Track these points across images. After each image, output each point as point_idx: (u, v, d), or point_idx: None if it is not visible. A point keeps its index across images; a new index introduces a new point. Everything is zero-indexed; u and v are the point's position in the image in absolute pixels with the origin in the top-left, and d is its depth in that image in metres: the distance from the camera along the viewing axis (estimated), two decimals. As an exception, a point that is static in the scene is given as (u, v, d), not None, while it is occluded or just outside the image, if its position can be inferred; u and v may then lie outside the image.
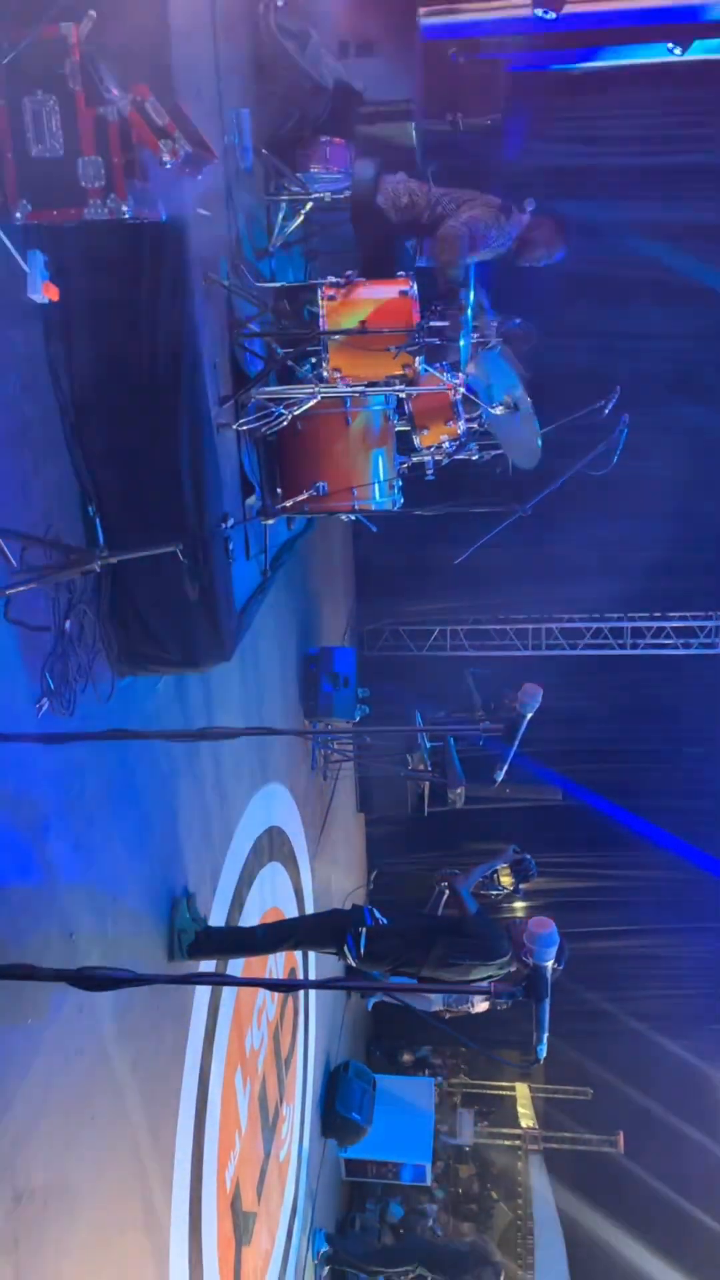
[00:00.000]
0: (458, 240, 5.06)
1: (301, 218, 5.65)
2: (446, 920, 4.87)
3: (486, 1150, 13.67)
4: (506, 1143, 13.80)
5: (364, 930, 4.76)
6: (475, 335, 5.15)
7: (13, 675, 3.42)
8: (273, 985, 3.69)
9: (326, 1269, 9.04)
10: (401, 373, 4.74)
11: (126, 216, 3.13)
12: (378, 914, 4.87)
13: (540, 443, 5.80)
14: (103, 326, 3.66)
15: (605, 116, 8.31)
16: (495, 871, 5.92)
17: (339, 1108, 9.51)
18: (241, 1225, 6.07)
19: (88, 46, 2.98)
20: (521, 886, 6.11)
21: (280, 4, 5.10)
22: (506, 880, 6.13)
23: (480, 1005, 5.42)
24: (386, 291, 4.73)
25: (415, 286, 4.71)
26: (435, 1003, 5.79)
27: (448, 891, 5.13)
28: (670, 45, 7.56)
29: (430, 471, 6.22)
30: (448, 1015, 5.68)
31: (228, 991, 5.74)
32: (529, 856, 6.02)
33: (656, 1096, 12.56)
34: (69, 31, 2.93)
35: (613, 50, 7.48)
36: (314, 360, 4.87)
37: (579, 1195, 12.80)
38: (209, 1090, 5.37)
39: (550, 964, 2.49)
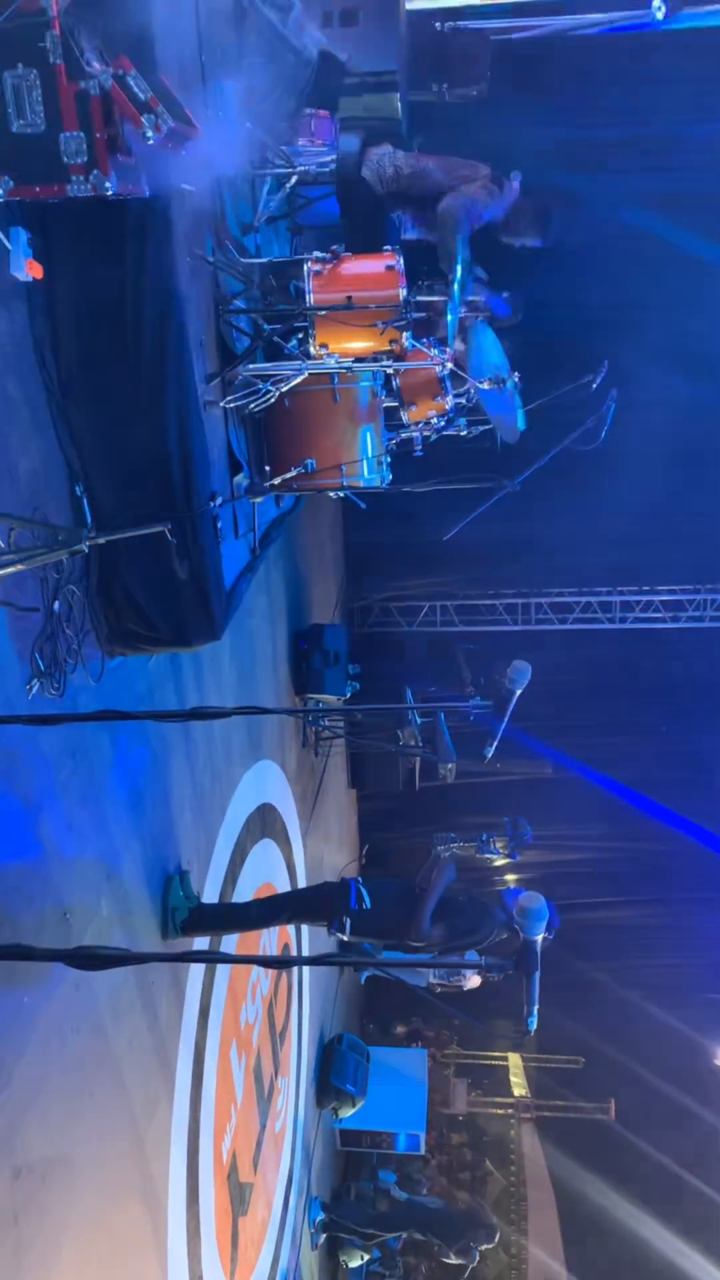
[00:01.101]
0: (458, 221, 5.03)
1: (287, 191, 5.60)
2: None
3: (479, 1119, 13.85)
4: (499, 1111, 13.98)
5: (348, 919, 4.76)
6: (463, 310, 5.13)
7: (2, 657, 3.42)
8: (267, 962, 3.72)
9: (323, 1236, 9.18)
10: (389, 348, 4.71)
11: (110, 192, 3.10)
12: (364, 894, 4.86)
13: (521, 423, 5.76)
14: (87, 304, 3.63)
15: (592, 86, 8.23)
16: (491, 838, 5.92)
17: (333, 1079, 9.62)
18: (238, 1196, 6.15)
19: (68, 19, 2.93)
20: (517, 854, 6.11)
21: (262, -27, 5.02)
22: (502, 847, 6.15)
23: (472, 982, 5.43)
24: (373, 266, 4.70)
25: (402, 260, 4.68)
26: (428, 977, 5.84)
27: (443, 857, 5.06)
28: (657, 5, 7.47)
29: (419, 448, 6.20)
30: (439, 989, 5.73)
31: (222, 967, 5.79)
32: (524, 821, 6.02)
33: (648, 1064, 12.73)
34: (49, 4, 2.89)
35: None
36: (301, 336, 4.84)
37: (571, 1162, 13.00)
38: (204, 1065, 5.42)
39: (540, 936, 2.52)
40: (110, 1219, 4.08)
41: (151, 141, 3.07)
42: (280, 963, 5.48)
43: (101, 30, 3.16)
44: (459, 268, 4.97)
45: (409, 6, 6.65)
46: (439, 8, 7.03)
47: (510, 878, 12.14)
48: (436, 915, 4.69)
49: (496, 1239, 9.62)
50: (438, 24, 7.13)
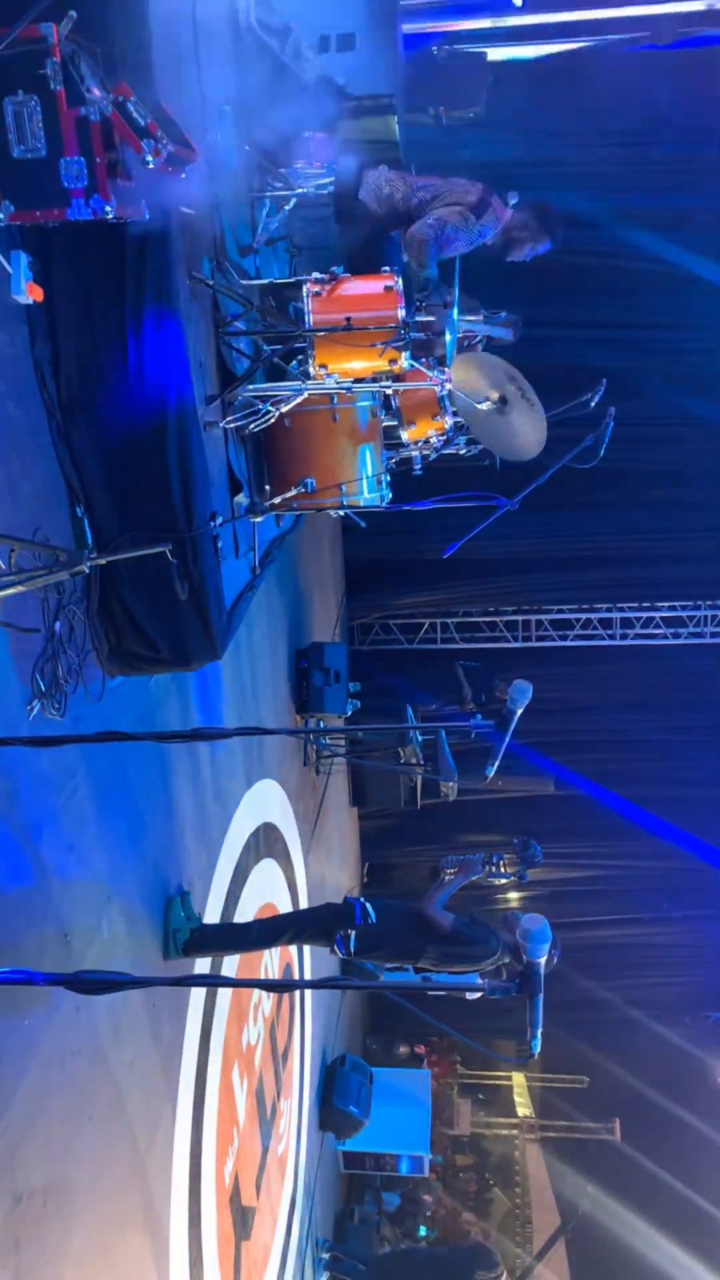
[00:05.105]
0: (424, 243, 5.07)
1: (285, 213, 5.63)
2: (435, 928, 4.79)
3: (484, 1140, 13.75)
4: (504, 1132, 13.89)
5: (353, 933, 4.76)
6: (461, 330, 5.14)
7: (3, 678, 3.42)
8: (269, 986, 3.71)
9: (326, 1276, 9.05)
10: (388, 368, 4.73)
11: (110, 216, 3.12)
12: (369, 909, 4.86)
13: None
14: (88, 327, 3.65)
15: (589, 106, 8.30)
16: (501, 859, 5.90)
17: (336, 1101, 9.54)
18: (241, 1220, 6.10)
19: (68, 47, 2.96)
20: (526, 875, 6.08)
21: (260, -1, 5.08)
22: (511, 868, 6.12)
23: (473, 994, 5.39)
24: (371, 287, 4.71)
25: (400, 281, 4.70)
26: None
27: (449, 877, 5.05)
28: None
29: (418, 466, 6.22)
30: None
31: (224, 989, 5.75)
32: (534, 841, 5.99)
33: (653, 1084, 12.64)
34: (49, 31, 2.92)
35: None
36: (300, 357, 4.86)
37: (577, 1182, 12.90)
38: (206, 1087, 5.39)
39: (543, 959, 2.50)
40: (112, 1244, 4.05)
41: (151, 166, 3.10)
42: (282, 986, 5.45)
43: (101, 57, 3.19)
44: (453, 289, 4.99)
45: (406, 30, 6.71)
46: (436, 31, 7.11)
47: (513, 895, 12.10)
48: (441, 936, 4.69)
49: (501, 1272, 9.50)
50: (435, 48, 7.21)
